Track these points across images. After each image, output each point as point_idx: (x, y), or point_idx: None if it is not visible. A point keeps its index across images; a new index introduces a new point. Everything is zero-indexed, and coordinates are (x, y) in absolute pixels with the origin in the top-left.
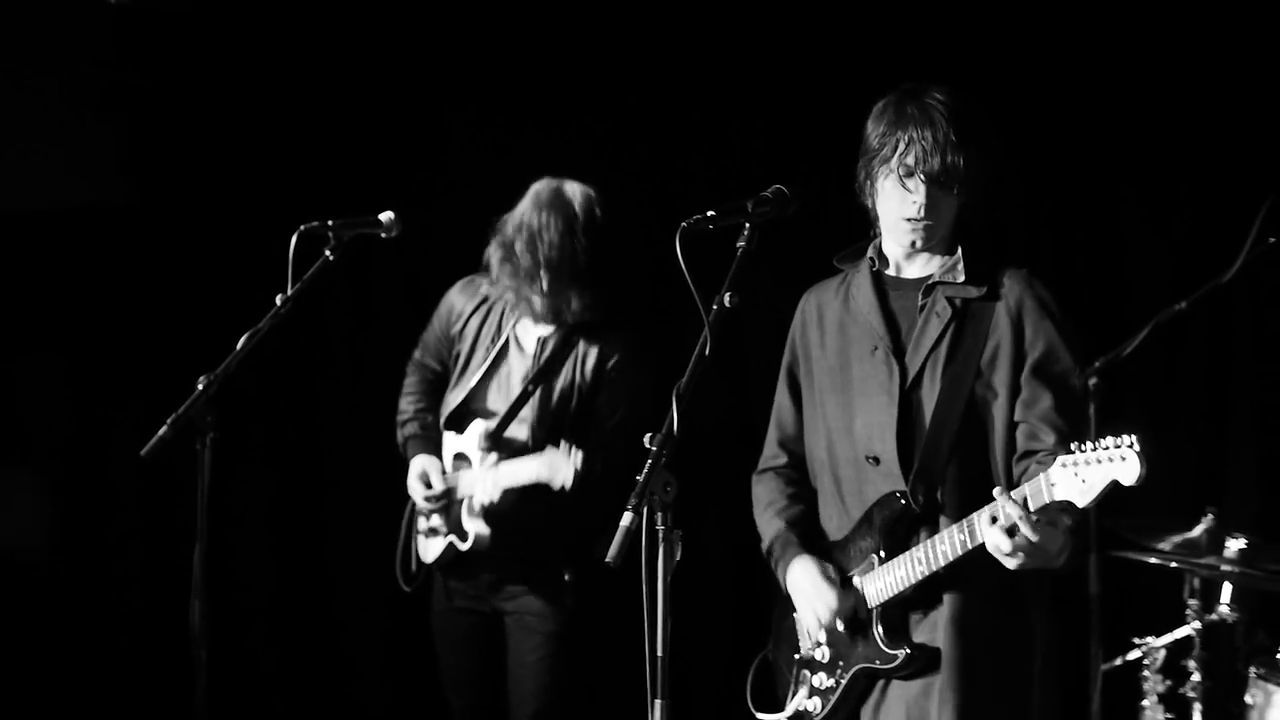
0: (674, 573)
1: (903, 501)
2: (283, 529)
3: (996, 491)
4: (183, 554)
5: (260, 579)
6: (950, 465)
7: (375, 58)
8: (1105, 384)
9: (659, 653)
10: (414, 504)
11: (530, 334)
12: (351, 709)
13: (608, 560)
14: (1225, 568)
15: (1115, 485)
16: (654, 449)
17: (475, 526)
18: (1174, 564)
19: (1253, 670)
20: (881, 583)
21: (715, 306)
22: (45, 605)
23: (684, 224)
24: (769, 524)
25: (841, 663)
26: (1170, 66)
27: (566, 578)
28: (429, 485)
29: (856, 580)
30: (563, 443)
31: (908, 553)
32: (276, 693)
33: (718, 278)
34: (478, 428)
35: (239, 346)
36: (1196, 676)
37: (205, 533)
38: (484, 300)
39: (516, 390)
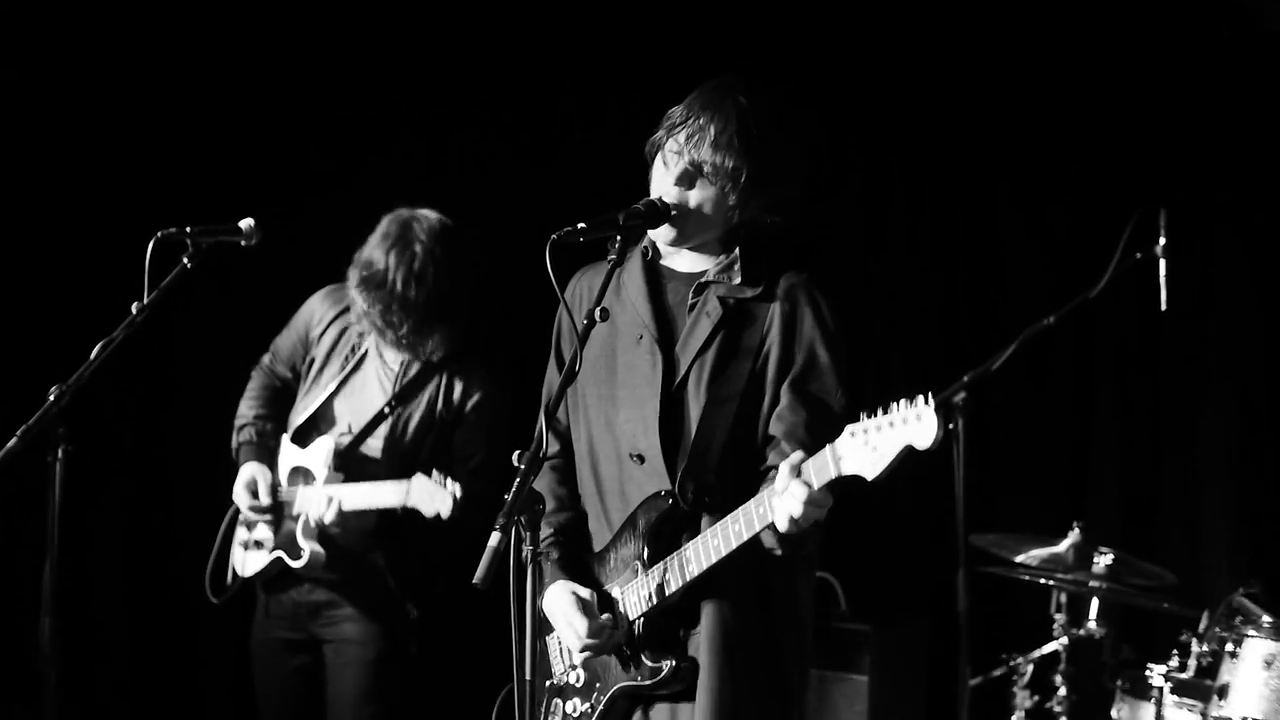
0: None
1: (670, 501)
2: (135, 543)
3: (784, 465)
4: (32, 570)
5: (113, 595)
6: (719, 467)
7: (236, 60)
8: (973, 398)
9: (527, 677)
10: (234, 513)
11: (394, 352)
12: None
13: (475, 581)
14: (1094, 583)
15: (909, 450)
16: (522, 467)
17: (311, 545)
18: (1044, 580)
19: (1119, 684)
20: (646, 590)
21: (586, 322)
22: None
23: (554, 236)
24: None
25: (598, 684)
26: (1050, 78)
27: (411, 614)
28: (256, 495)
29: (617, 593)
30: (435, 472)
31: (675, 554)
32: (130, 713)
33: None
34: (326, 443)
35: (93, 356)
36: (1063, 691)
37: (56, 547)
38: (346, 309)
39: (373, 407)
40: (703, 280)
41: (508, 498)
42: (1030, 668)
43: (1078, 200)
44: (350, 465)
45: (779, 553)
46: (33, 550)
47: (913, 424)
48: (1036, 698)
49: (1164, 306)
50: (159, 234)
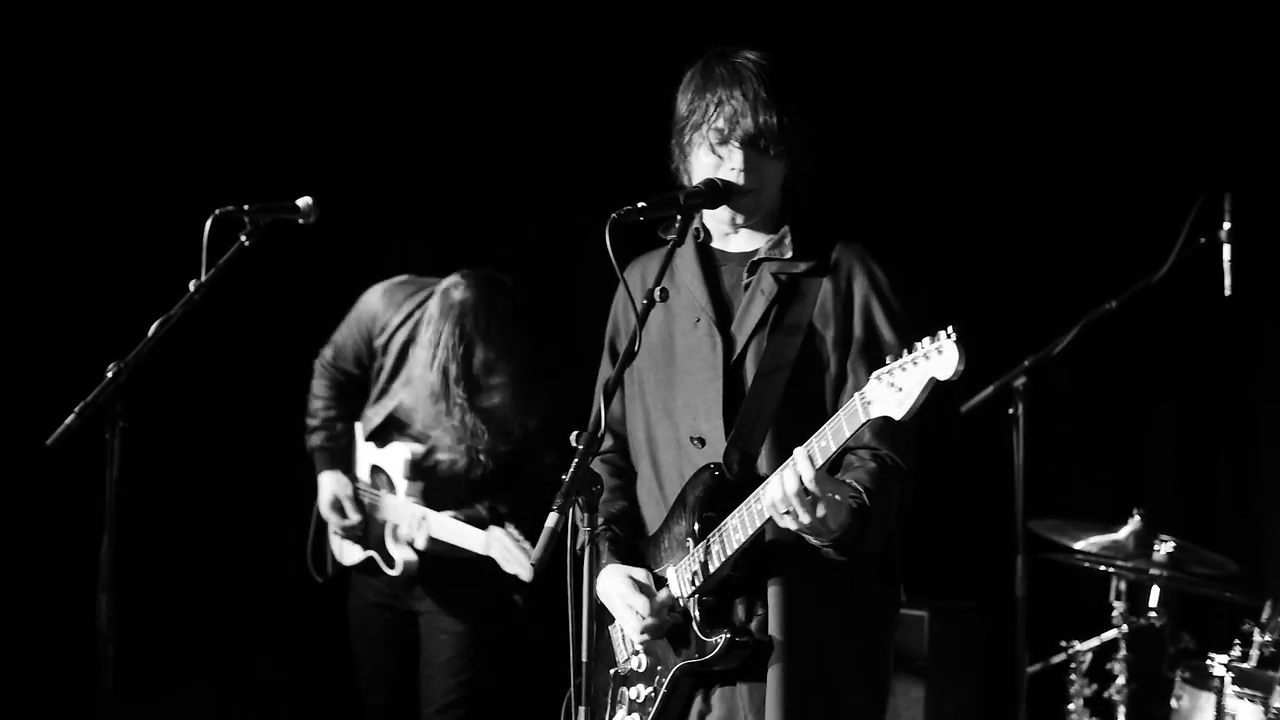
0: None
1: (716, 474)
2: (193, 519)
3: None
4: (90, 548)
5: (170, 572)
6: (768, 438)
7: (296, 40)
8: (1033, 383)
9: (583, 658)
10: None
11: None
12: (263, 709)
13: (531, 563)
14: (1155, 571)
15: (933, 383)
16: (580, 448)
17: (404, 555)
18: (1103, 567)
19: (1178, 674)
20: (696, 566)
21: (645, 302)
22: None
23: (614, 215)
24: None
25: (660, 668)
26: (1047, 59)
27: (518, 600)
28: (342, 513)
29: (670, 573)
30: (510, 527)
31: (722, 524)
32: (184, 688)
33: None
34: (402, 451)
35: (150, 333)
36: (1122, 680)
37: (114, 524)
38: (411, 313)
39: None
40: (756, 259)
41: (565, 478)
42: (1089, 655)
43: (1082, 187)
44: (426, 474)
45: (836, 558)
46: (91, 527)
47: (934, 357)
48: (1095, 686)
49: (1228, 292)
50: (217, 211)
